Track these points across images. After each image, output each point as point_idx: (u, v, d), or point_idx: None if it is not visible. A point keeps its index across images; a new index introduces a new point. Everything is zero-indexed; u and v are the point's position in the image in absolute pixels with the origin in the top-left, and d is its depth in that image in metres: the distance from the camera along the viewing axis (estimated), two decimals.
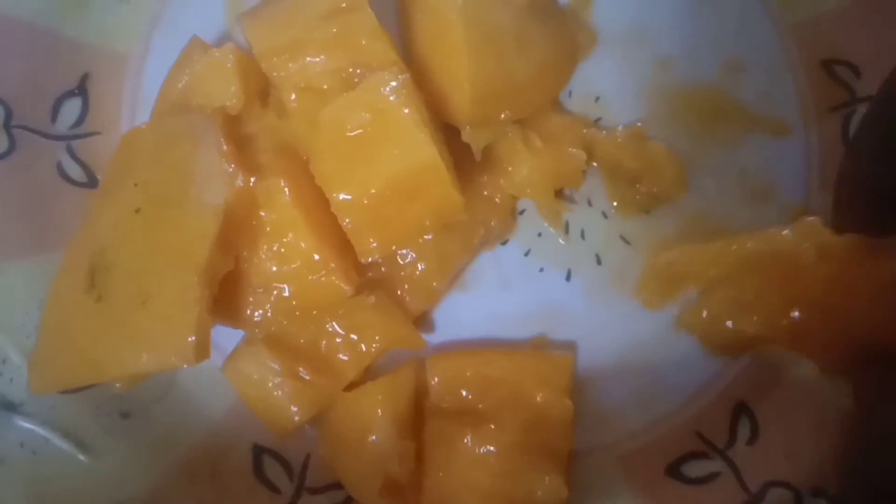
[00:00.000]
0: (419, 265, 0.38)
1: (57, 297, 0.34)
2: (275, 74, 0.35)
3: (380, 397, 0.36)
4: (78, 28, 0.40)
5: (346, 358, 0.37)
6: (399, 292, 0.38)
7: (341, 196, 0.33)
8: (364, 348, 0.37)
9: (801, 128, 0.40)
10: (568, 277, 0.40)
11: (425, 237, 0.37)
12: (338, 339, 0.37)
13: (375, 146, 0.33)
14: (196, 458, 0.38)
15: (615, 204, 0.40)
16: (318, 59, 0.35)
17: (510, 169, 0.38)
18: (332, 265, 0.34)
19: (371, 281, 0.37)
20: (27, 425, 0.36)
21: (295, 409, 0.36)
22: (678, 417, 0.39)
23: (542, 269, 0.40)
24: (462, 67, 0.35)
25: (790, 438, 0.38)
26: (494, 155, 0.39)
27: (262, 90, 0.38)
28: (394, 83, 0.32)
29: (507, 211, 0.39)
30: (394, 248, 0.35)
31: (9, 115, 0.38)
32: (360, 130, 0.33)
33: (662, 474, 0.38)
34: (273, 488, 0.38)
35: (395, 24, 0.39)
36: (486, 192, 0.39)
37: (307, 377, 0.36)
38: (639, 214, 0.40)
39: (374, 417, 0.36)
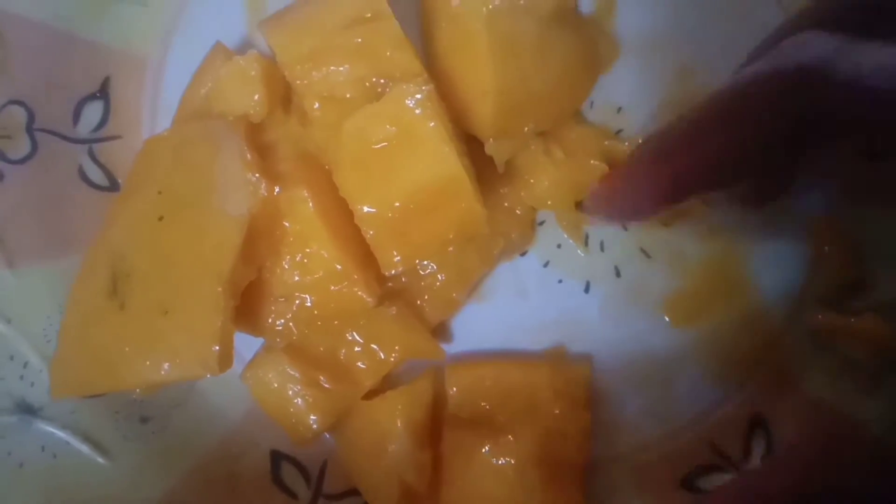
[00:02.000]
0: (439, 276, 0.38)
1: (77, 303, 0.34)
2: (298, 82, 0.35)
3: (399, 407, 0.36)
4: (97, 31, 0.40)
5: (364, 366, 0.37)
6: (418, 302, 0.38)
7: (365, 209, 0.33)
8: (383, 357, 0.37)
9: None
10: (587, 289, 0.40)
11: (448, 250, 0.37)
12: (357, 349, 0.37)
13: (400, 158, 0.33)
14: (213, 463, 0.38)
15: None
16: (341, 69, 0.35)
17: (531, 181, 0.38)
18: (355, 276, 0.34)
19: (391, 291, 0.38)
20: (48, 429, 0.36)
21: (314, 417, 0.36)
22: (693, 430, 0.39)
23: (560, 281, 0.40)
24: (486, 78, 0.35)
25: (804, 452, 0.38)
26: (515, 166, 0.38)
27: (284, 97, 0.38)
28: (418, 95, 0.32)
29: (528, 223, 0.39)
30: (416, 261, 0.35)
31: (31, 118, 0.38)
32: (384, 143, 0.33)
33: (677, 487, 0.38)
34: (290, 494, 0.38)
35: (418, 35, 0.39)
36: (506, 204, 0.39)
37: (326, 385, 0.36)
38: (659, 227, 0.40)
39: (392, 427, 0.36)
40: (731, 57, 0.40)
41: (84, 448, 0.36)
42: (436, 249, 0.34)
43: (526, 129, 0.37)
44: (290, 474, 0.39)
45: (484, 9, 0.34)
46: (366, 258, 0.35)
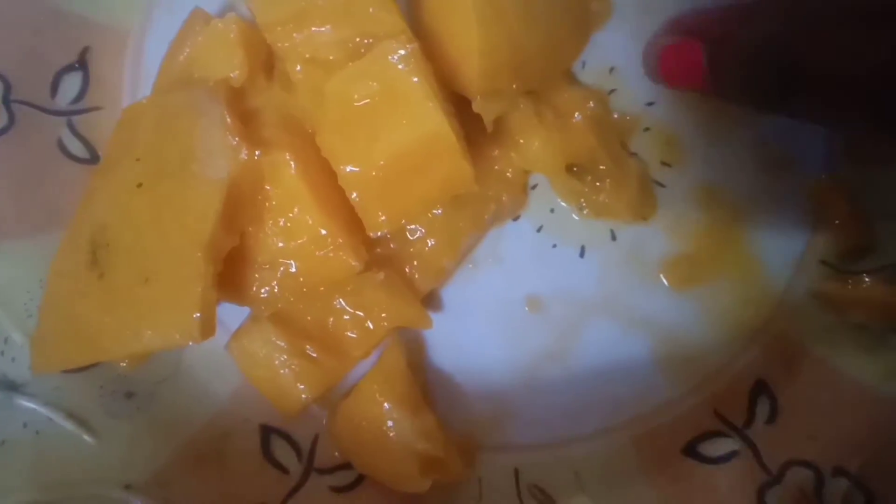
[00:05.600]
0: (428, 241, 0.37)
1: (58, 276, 0.33)
2: (279, 45, 0.34)
3: (376, 387, 0.35)
4: (77, 2, 0.39)
5: (353, 336, 0.36)
6: (408, 269, 0.37)
7: (348, 168, 0.32)
8: (372, 326, 0.36)
9: None
10: (582, 254, 0.39)
11: (435, 212, 0.36)
12: (345, 317, 0.36)
13: (383, 117, 0.32)
14: (202, 439, 0.37)
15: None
16: (323, 30, 0.34)
17: (522, 142, 0.37)
18: (340, 240, 0.33)
19: (380, 257, 0.37)
20: (30, 405, 0.35)
21: (302, 387, 0.35)
22: (695, 397, 0.38)
23: (555, 246, 0.39)
24: (471, 36, 0.34)
25: (810, 417, 0.37)
26: (506, 128, 0.37)
27: (266, 62, 0.37)
28: (402, 52, 0.31)
29: (519, 186, 0.38)
30: (403, 222, 0.34)
31: (7, 89, 0.37)
32: (368, 101, 0.32)
33: (679, 453, 0.38)
34: (281, 468, 0.37)
35: None
36: (497, 167, 0.38)
37: (314, 355, 0.36)
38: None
39: (380, 411, 0.35)
40: None
41: (68, 425, 0.35)
42: (423, 209, 0.34)
43: (514, 86, 0.36)
44: (280, 449, 0.38)
45: None
46: (351, 222, 0.34)
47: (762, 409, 0.38)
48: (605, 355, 0.39)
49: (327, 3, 0.34)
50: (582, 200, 0.39)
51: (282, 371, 0.35)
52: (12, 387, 0.35)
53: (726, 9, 0.35)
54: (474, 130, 0.36)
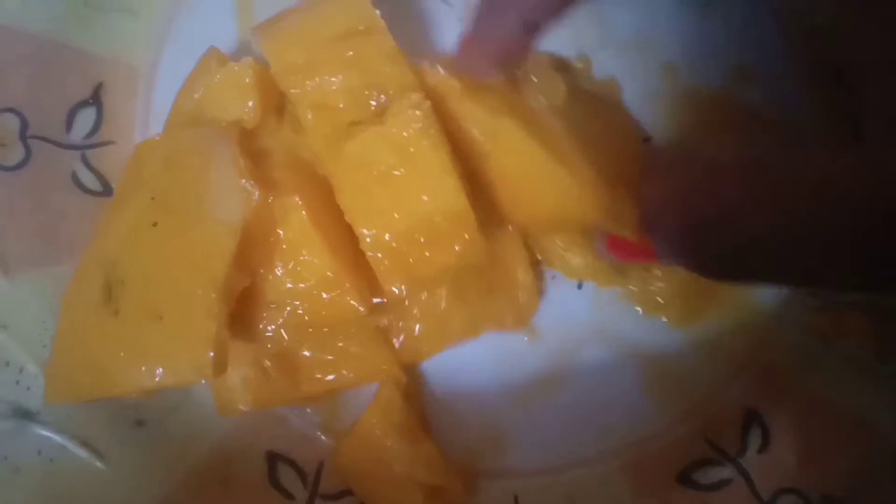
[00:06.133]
0: (416, 327, 0.38)
1: (71, 309, 0.34)
2: (291, 91, 0.35)
3: (374, 421, 0.36)
4: (88, 40, 0.41)
5: (316, 376, 0.37)
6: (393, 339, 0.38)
7: (368, 232, 0.33)
8: (333, 377, 0.37)
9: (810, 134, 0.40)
10: (580, 285, 0.40)
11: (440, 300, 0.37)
12: (316, 354, 0.37)
13: (404, 186, 0.33)
14: (210, 466, 0.38)
15: None
16: (333, 79, 0.35)
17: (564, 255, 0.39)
18: (347, 285, 0.34)
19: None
20: (44, 433, 0.36)
21: (245, 398, 0.36)
22: (687, 426, 0.39)
23: (553, 277, 0.40)
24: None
25: (800, 446, 0.38)
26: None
27: (278, 104, 0.38)
28: (418, 125, 0.32)
29: (526, 312, 0.39)
30: (418, 289, 0.36)
31: (24, 125, 0.39)
32: (388, 169, 0.33)
33: (672, 481, 0.38)
34: (287, 495, 0.38)
35: (410, 48, 0.37)
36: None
37: (271, 373, 0.36)
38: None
39: (380, 444, 0.36)
40: (714, 53, 0.41)
41: (81, 452, 0.36)
42: (436, 277, 0.35)
43: None
44: (286, 476, 0.39)
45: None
46: (358, 266, 0.35)
47: (754, 437, 0.39)
48: (597, 383, 0.40)
49: (338, 55, 0.35)
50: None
51: (232, 375, 0.36)
52: (27, 415, 0.36)
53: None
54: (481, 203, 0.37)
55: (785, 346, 0.39)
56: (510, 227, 0.38)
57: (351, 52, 0.34)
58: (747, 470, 0.38)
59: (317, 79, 0.35)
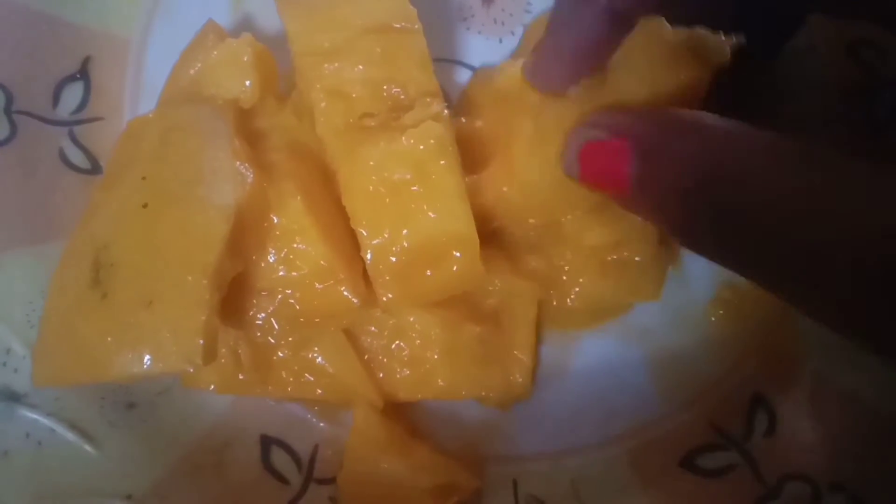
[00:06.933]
0: (400, 371, 0.37)
1: (59, 291, 0.33)
2: (306, 73, 0.34)
3: (358, 448, 0.36)
4: (77, 12, 0.39)
5: (287, 378, 0.36)
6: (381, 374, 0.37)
7: (372, 242, 0.32)
8: (303, 390, 0.36)
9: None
10: None
11: (433, 352, 0.36)
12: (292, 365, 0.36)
13: (414, 202, 0.32)
14: (202, 449, 0.38)
15: None
16: (355, 69, 0.34)
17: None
18: (341, 275, 0.33)
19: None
20: (32, 416, 0.35)
21: (210, 378, 0.35)
22: (692, 410, 0.39)
23: None
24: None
25: (808, 431, 0.37)
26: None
27: (275, 85, 0.37)
28: (437, 140, 0.32)
29: (519, 391, 0.38)
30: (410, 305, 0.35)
31: (9, 100, 0.38)
32: (400, 182, 0.32)
33: (676, 466, 0.38)
34: (281, 479, 0.38)
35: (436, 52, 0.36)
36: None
37: (243, 362, 0.35)
38: None
39: (373, 468, 0.35)
40: None
41: (70, 435, 0.35)
42: (432, 298, 0.34)
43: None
44: (280, 459, 0.38)
45: None
46: (353, 256, 0.34)
47: (760, 422, 0.38)
48: (601, 368, 0.39)
49: (366, 46, 0.34)
50: None
51: None
52: (15, 398, 0.35)
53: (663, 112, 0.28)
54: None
55: (792, 330, 0.38)
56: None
57: (379, 49, 0.33)
58: (753, 455, 0.37)
59: (336, 64, 0.33)
